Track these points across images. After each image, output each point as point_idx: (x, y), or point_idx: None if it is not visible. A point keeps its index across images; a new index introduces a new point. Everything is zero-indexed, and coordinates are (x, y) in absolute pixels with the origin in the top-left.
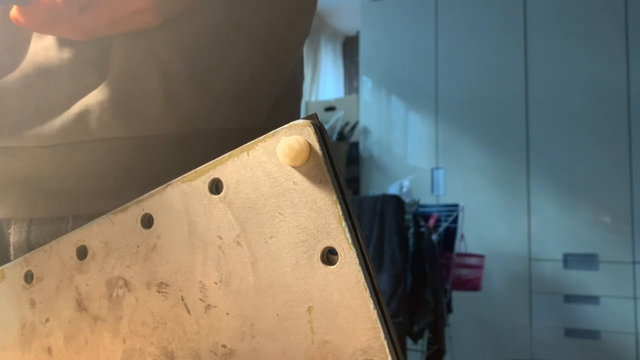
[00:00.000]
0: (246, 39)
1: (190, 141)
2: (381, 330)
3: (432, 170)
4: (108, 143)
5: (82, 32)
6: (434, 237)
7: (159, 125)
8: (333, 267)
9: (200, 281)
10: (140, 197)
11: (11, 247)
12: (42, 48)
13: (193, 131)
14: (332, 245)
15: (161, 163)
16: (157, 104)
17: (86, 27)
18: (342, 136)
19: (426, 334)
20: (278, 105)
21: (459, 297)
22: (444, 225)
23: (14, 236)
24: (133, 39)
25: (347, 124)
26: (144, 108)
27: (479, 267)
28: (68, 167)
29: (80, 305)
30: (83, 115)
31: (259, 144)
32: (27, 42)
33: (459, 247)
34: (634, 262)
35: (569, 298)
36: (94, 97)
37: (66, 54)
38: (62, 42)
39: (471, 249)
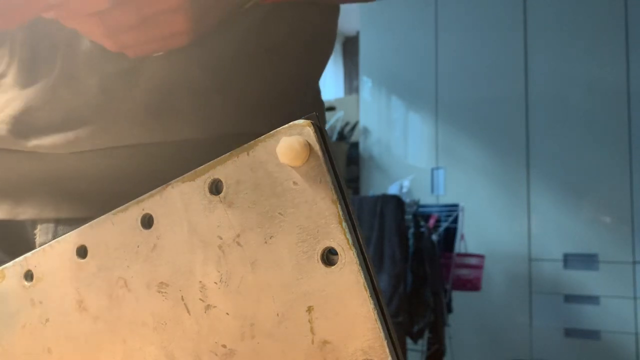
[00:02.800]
0: (276, 55)
1: (219, 145)
2: (381, 330)
3: (432, 170)
4: (136, 148)
5: (108, 31)
6: (434, 237)
7: (187, 131)
8: (333, 267)
9: (200, 281)
10: (140, 197)
11: (37, 248)
12: (73, 60)
13: (221, 136)
14: (332, 245)
15: (188, 166)
16: (186, 115)
17: (112, 25)
18: (342, 136)
19: (426, 334)
20: (306, 111)
21: (459, 297)
22: (444, 225)
23: (40, 237)
24: (164, 55)
25: (347, 124)
26: (173, 118)
27: (479, 267)
28: (95, 171)
29: (80, 305)
30: (112, 124)
31: (259, 144)
32: (56, 52)
33: (459, 247)
34: (634, 262)
35: (569, 298)
36: (124, 108)
37: (95, 66)
38: (92, 55)
39: (471, 249)
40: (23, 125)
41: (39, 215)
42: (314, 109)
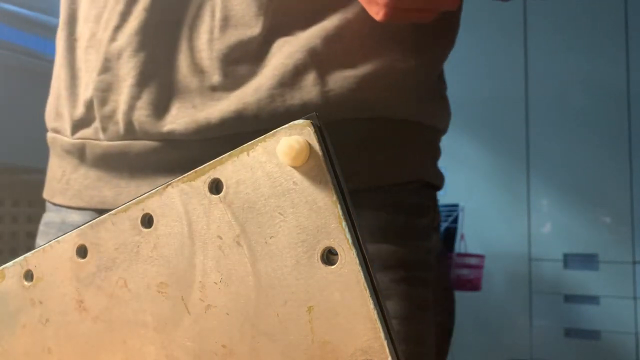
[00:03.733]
0: (423, 41)
1: (342, 129)
2: (381, 330)
3: None
4: (261, 134)
5: None
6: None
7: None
8: (333, 267)
9: (200, 281)
10: (140, 197)
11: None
12: (197, 46)
13: (345, 120)
14: (332, 245)
15: None
16: (313, 96)
17: None
18: None
19: None
20: (430, 98)
21: (459, 297)
22: (444, 225)
23: None
24: (290, 35)
25: None
26: (299, 101)
27: (479, 267)
28: None
29: (80, 305)
30: (241, 111)
31: (259, 144)
32: (179, 30)
33: (459, 247)
34: (634, 262)
35: (569, 298)
36: (252, 95)
37: (220, 52)
38: (216, 42)
39: (471, 249)
40: (159, 111)
41: None
42: (440, 94)
